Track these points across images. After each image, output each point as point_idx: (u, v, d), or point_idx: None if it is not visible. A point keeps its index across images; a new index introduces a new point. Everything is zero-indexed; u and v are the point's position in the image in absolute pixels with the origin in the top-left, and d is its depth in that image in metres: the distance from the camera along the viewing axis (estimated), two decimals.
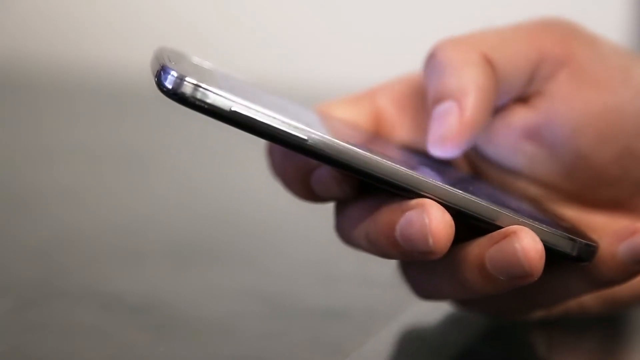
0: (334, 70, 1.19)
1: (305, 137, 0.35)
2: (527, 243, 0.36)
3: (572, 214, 0.42)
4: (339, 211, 0.40)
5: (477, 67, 0.40)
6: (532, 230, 0.36)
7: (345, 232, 0.40)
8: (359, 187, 0.39)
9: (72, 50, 1.24)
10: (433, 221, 0.36)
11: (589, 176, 0.42)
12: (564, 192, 0.43)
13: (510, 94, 0.42)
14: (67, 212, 0.60)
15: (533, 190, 0.43)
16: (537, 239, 0.36)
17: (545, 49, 0.42)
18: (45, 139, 0.84)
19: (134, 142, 0.86)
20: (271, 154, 0.41)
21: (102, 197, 0.65)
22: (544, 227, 0.37)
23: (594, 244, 0.38)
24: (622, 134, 0.41)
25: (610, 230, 0.38)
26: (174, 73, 0.34)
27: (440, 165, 0.42)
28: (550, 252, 0.37)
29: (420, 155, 0.42)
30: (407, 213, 0.36)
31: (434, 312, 0.44)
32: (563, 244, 0.37)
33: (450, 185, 0.37)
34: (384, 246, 0.37)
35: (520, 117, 0.42)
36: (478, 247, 0.37)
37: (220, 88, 0.35)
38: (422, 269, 0.40)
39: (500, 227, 0.37)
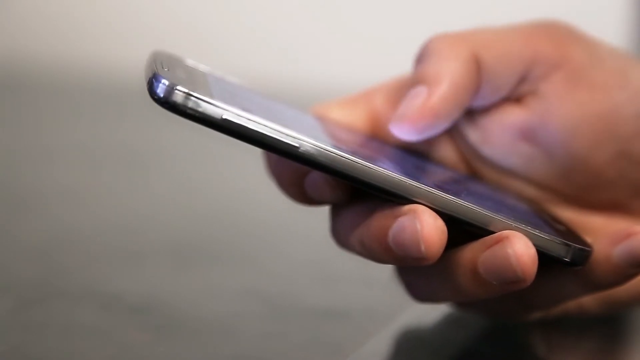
0: (334, 70, 1.19)
1: (297, 145, 0.36)
2: (519, 248, 0.36)
3: (569, 215, 0.42)
4: (334, 215, 0.40)
5: (459, 62, 0.41)
6: (525, 235, 0.36)
7: (340, 236, 0.40)
8: (352, 191, 0.39)
9: (72, 50, 1.24)
10: (425, 227, 0.36)
11: (586, 178, 0.42)
12: (560, 194, 0.43)
13: (500, 93, 0.42)
14: (67, 212, 0.60)
15: (530, 191, 0.43)
16: (530, 244, 0.36)
17: (540, 49, 0.42)
18: (45, 139, 0.84)
19: (134, 142, 0.86)
20: (267, 157, 0.41)
21: (102, 197, 0.65)
22: (537, 232, 0.37)
23: (587, 248, 0.38)
24: (618, 137, 0.41)
25: (605, 233, 0.38)
26: (165, 81, 0.35)
27: (436, 167, 0.42)
28: (544, 256, 0.37)
29: (416, 157, 0.42)
30: (399, 219, 0.36)
31: (433, 312, 0.44)
32: (556, 249, 0.37)
33: (445, 187, 0.37)
34: (377, 252, 0.37)
35: (515, 117, 0.42)
36: (471, 252, 0.37)
37: (212, 95, 0.35)
38: (417, 273, 0.40)
39: (493, 232, 0.37)
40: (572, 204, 0.43)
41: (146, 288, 0.47)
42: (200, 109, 0.35)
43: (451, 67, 0.41)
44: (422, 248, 0.36)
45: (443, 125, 0.41)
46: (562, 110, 0.42)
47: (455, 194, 0.37)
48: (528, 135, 0.42)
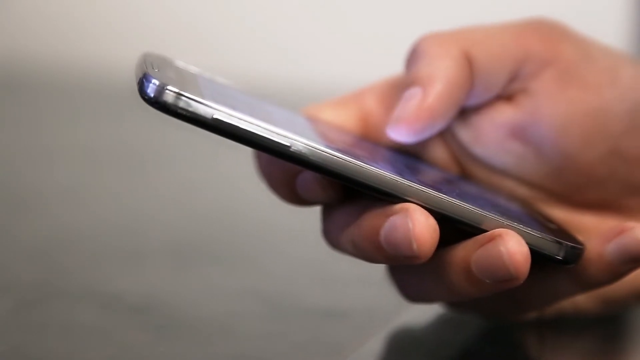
0: (334, 70, 1.19)
1: (288, 144, 0.36)
2: (512, 246, 0.36)
3: (561, 214, 0.42)
4: (325, 216, 0.40)
5: (452, 61, 0.41)
6: (517, 233, 0.36)
7: (331, 236, 0.40)
8: (344, 191, 0.39)
9: (72, 50, 1.24)
10: (417, 226, 0.35)
11: (577, 176, 0.42)
12: (552, 193, 0.43)
13: (492, 91, 0.42)
14: (67, 212, 0.60)
15: (521, 190, 0.43)
16: (523, 242, 0.36)
17: (531, 47, 0.42)
18: (45, 139, 0.84)
19: (134, 142, 0.86)
20: (257, 157, 0.41)
21: (102, 197, 0.65)
22: (529, 230, 0.37)
23: (580, 246, 0.38)
24: (608, 135, 0.41)
25: (597, 231, 0.38)
26: (155, 81, 0.35)
27: (428, 167, 0.42)
28: (536, 254, 0.37)
29: (407, 158, 0.42)
30: (391, 218, 0.36)
31: (433, 312, 0.44)
32: (549, 247, 0.37)
33: (437, 187, 0.37)
34: (369, 251, 0.37)
35: (506, 115, 0.42)
36: (464, 250, 0.37)
37: (202, 96, 0.35)
38: (409, 272, 0.40)
39: (485, 231, 0.37)
40: (564, 203, 0.43)
41: (146, 288, 0.47)
42: (191, 109, 0.35)
43: (444, 66, 0.41)
44: (414, 246, 0.36)
45: (440, 125, 0.41)
46: (552, 108, 0.42)
47: (447, 192, 0.37)
48: (519, 133, 0.42)
